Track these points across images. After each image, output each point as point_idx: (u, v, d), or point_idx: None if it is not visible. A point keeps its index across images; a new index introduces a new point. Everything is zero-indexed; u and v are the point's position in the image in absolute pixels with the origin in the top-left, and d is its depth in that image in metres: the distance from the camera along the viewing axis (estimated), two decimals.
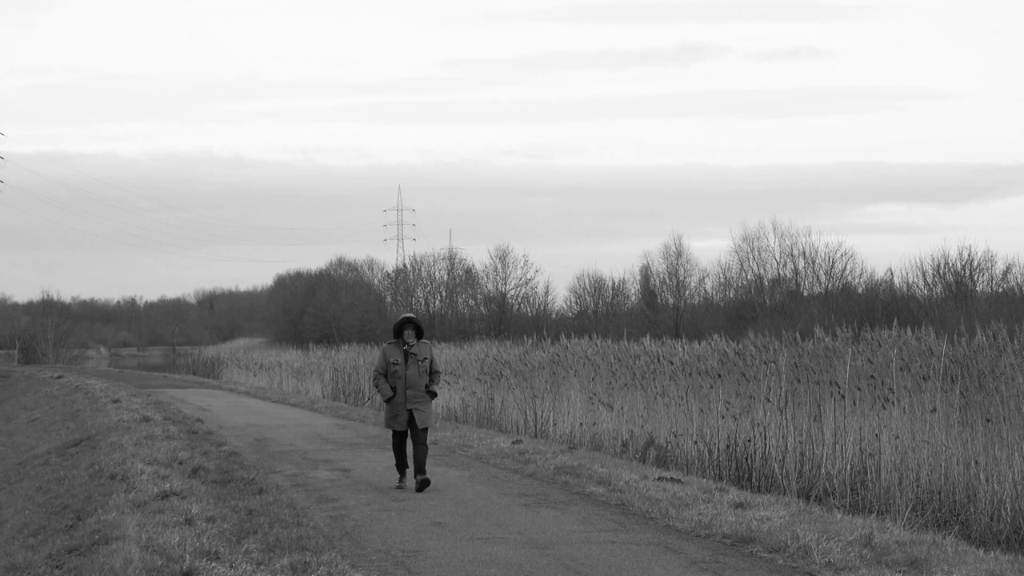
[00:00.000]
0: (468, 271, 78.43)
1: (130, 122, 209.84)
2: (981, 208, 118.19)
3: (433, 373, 12.68)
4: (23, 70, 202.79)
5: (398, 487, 12.58)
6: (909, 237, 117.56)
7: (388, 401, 12.58)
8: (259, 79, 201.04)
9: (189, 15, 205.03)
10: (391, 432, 12.81)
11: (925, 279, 46.81)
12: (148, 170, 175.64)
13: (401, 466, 12.81)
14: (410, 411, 12.51)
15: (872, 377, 14.53)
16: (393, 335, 12.70)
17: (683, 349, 19.62)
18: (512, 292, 75.12)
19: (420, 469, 12.37)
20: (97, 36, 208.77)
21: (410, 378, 12.49)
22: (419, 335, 12.63)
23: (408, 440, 12.79)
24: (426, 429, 12.66)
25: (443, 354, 31.50)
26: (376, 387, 12.77)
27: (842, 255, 56.23)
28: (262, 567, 8.18)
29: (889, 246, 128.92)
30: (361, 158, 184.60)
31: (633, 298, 69.70)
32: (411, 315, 12.73)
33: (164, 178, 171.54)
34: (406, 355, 12.51)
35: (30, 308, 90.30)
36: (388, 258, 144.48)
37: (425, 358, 12.54)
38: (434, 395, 12.76)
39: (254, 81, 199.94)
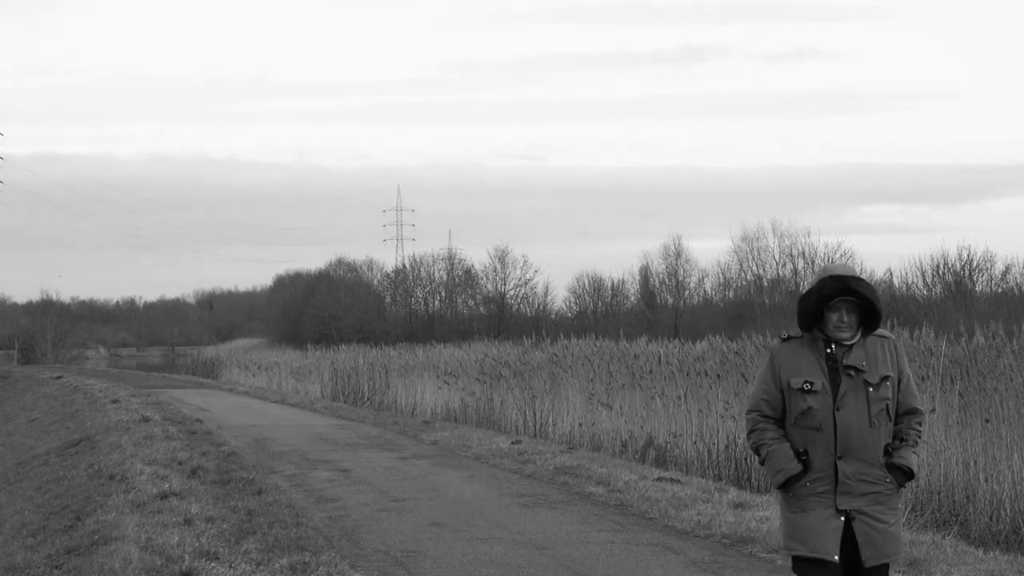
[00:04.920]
0: (467, 271, 78.50)
1: (128, 123, 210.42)
2: (977, 208, 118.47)
3: (905, 415, 5.44)
4: (24, 71, 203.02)
5: None
6: (905, 237, 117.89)
7: (786, 485, 5.39)
8: (256, 80, 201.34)
9: (187, 17, 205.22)
10: (791, 561, 5.49)
11: (924, 279, 46.83)
12: (146, 171, 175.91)
13: None
14: (846, 517, 5.27)
15: None
16: (801, 319, 5.44)
17: (679, 349, 19.65)
18: (511, 292, 75.17)
19: None
20: (95, 38, 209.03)
21: (847, 426, 5.29)
22: (869, 321, 5.38)
23: None
24: (885, 568, 5.40)
25: (442, 355, 31.35)
26: (756, 447, 5.51)
27: (841, 255, 56.25)
28: (261, 567, 8.17)
29: (885, 246, 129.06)
30: (357, 159, 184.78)
31: (632, 298, 69.74)
32: (848, 272, 5.37)
33: (162, 179, 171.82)
34: (836, 367, 5.36)
35: (29, 308, 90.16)
36: (387, 258, 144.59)
37: (886, 377, 5.36)
38: (909, 475, 5.38)
39: (251, 82, 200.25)
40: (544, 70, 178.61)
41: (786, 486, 5.37)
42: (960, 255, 45.85)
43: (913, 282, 47.56)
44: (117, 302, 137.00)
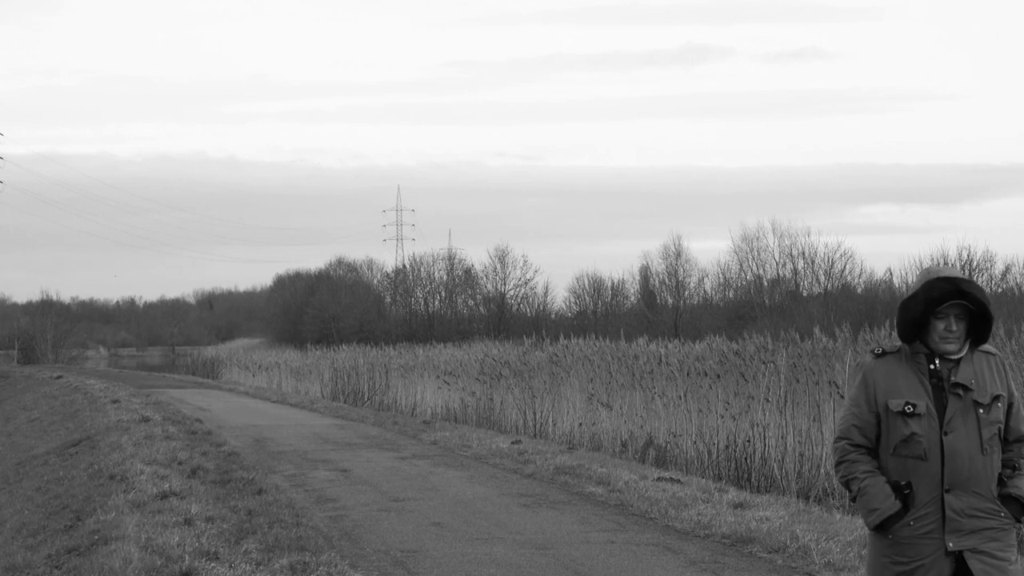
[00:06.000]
0: (467, 271, 78.46)
1: (128, 123, 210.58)
2: (975, 208, 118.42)
3: (1015, 443, 4.72)
4: (24, 71, 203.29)
5: None
6: (904, 237, 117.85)
7: (882, 526, 4.62)
8: (255, 80, 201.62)
9: (187, 17, 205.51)
10: None
11: None
12: (145, 171, 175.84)
13: None
14: (957, 557, 4.56)
15: None
16: (902, 329, 4.70)
17: (679, 349, 19.65)
18: (511, 292, 75.09)
19: None
20: (94, 39, 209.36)
21: (957, 454, 4.57)
22: (980, 332, 4.68)
23: None
24: None
25: (442, 355, 31.36)
26: (846, 480, 4.77)
27: (841, 255, 56.25)
28: (261, 567, 8.18)
29: (884, 246, 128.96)
30: (356, 159, 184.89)
31: (632, 298, 69.65)
32: (957, 274, 4.66)
33: (162, 179, 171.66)
34: (941, 386, 4.64)
35: (29, 308, 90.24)
36: (387, 258, 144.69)
37: (996, 396, 4.65)
38: None
39: (250, 82, 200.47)
40: (544, 70, 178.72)
41: (883, 527, 4.59)
42: (960, 255, 45.87)
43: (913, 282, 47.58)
44: (117, 302, 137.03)
